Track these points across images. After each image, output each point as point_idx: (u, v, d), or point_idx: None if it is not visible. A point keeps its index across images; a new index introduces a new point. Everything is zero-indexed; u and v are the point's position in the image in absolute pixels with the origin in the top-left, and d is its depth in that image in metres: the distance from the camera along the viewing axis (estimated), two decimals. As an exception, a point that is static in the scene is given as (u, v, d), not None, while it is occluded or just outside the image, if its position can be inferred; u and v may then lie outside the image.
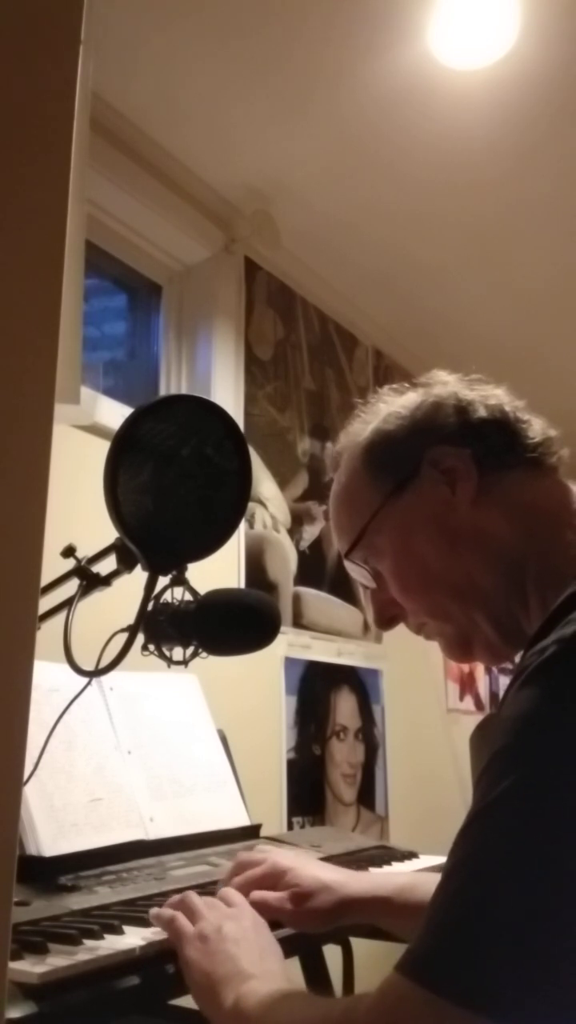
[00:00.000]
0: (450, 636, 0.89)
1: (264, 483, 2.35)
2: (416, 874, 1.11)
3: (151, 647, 0.90)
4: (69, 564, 0.93)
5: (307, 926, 0.96)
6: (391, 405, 0.93)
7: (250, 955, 0.82)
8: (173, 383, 2.30)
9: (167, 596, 0.89)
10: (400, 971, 0.60)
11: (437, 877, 1.05)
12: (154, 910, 0.90)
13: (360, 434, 0.93)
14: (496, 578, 0.83)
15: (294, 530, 2.43)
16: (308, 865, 1.00)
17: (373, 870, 1.21)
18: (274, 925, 0.92)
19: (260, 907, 0.92)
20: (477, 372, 0.93)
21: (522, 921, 0.56)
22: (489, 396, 0.90)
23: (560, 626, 0.65)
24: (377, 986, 0.63)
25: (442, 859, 1.34)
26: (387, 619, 0.93)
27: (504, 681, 3.44)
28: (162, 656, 0.90)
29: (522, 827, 0.58)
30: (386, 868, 1.25)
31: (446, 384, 0.92)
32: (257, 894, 0.94)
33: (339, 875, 0.99)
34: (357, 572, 0.93)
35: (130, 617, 0.84)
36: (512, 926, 0.56)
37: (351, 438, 0.94)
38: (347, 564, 0.94)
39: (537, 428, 0.89)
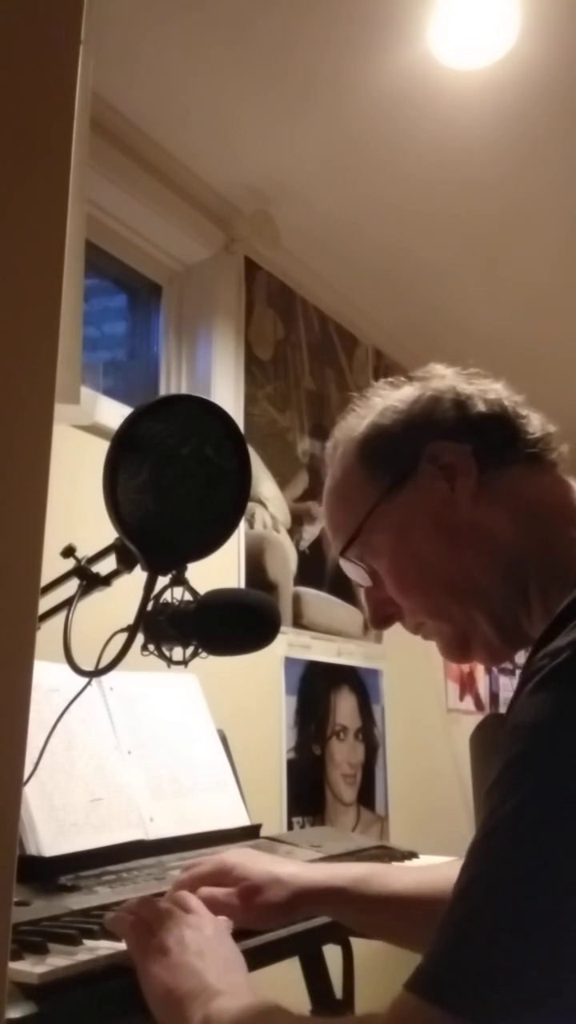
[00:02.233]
0: (448, 636, 0.87)
1: (264, 483, 2.35)
2: (373, 865, 1.08)
3: (151, 647, 0.89)
4: (69, 564, 0.93)
5: (259, 922, 0.91)
6: (387, 399, 0.90)
7: (215, 968, 0.77)
8: (173, 383, 2.30)
9: (167, 596, 0.89)
10: (412, 990, 0.58)
11: (395, 868, 1.02)
12: (109, 916, 0.85)
13: (355, 429, 0.91)
14: (496, 576, 0.82)
15: (294, 530, 2.43)
16: (258, 859, 0.95)
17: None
18: (242, 934, 0.88)
19: (208, 904, 0.88)
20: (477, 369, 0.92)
21: (536, 940, 0.55)
22: (488, 390, 0.88)
23: (571, 628, 0.63)
24: (388, 1006, 0.60)
25: (442, 859, 1.35)
26: (383, 618, 0.91)
27: (504, 681, 3.44)
28: (162, 656, 0.90)
29: (536, 844, 0.57)
30: (386, 868, 1.25)
31: (444, 378, 0.90)
32: (205, 891, 0.90)
33: (292, 867, 0.94)
34: (352, 571, 0.91)
35: (130, 617, 0.84)
36: (526, 945, 0.55)
37: (346, 433, 0.92)
38: (342, 563, 0.92)
39: (536, 423, 0.87)
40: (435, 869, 0.99)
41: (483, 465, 0.84)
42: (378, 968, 1.33)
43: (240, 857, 0.95)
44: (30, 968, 0.74)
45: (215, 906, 0.88)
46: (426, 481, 0.85)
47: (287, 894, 0.90)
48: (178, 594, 0.89)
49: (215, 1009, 0.71)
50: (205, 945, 0.79)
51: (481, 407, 0.86)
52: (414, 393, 0.89)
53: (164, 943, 0.79)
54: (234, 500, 0.91)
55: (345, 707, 2.50)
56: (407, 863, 1.31)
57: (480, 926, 0.57)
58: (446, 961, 0.58)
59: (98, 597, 0.93)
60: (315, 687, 2.38)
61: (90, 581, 0.92)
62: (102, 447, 0.84)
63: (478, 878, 0.59)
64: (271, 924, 0.92)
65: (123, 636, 0.84)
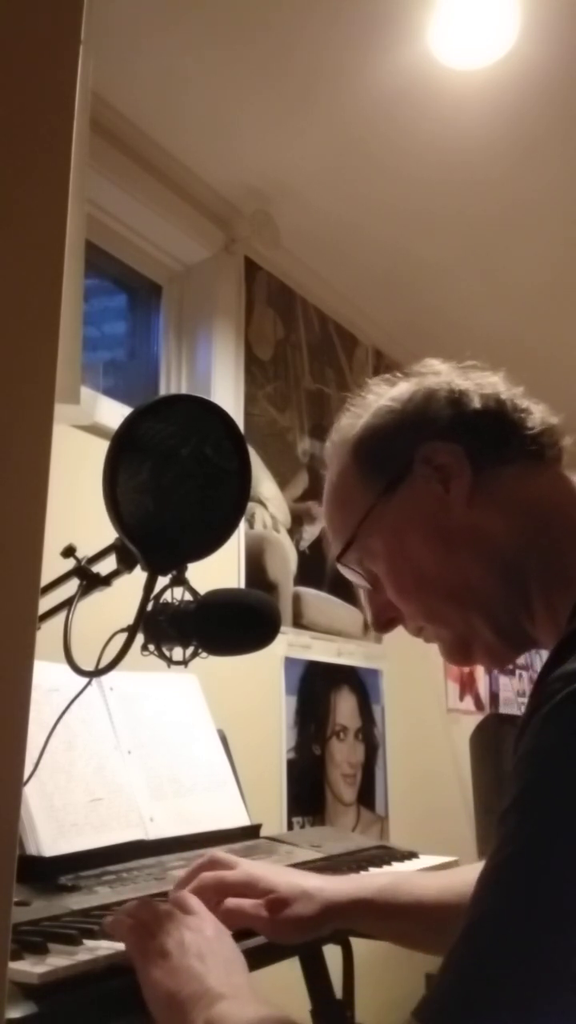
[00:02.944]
0: (448, 640, 0.85)
1: (264, 483, 2.35)
2: (396, 874, 1.07)
3: (151, 647, 0.89)
4: (69, 564, 0.93)
5: (286, 936, 0.89)
6: (381, 397, 0.88)
7: (216, 971, 0.75)
8: (173, 383, 2.30)
9: (167, 596, 0.89)
10: (419, 1019, 0.57)
11: (418, 875, 1.02)
12: (108, 920, 0.83)
13: (350, 429, 0.89)
14: (494, 579, 0.80)
15: (294, 530, 2.43)
16: (283, 872, 0.94)
17: (373, 870, 1.21)
18: (242, 934, 0.87)
19: (235, 915, 0.87)
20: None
21: (543, 976, 0.54)
22: (485, 385, 0.85)
23: None
24: None
25: (442, 859, 1.34)
26: (385, 622, 0.89)
27: (504, 681, 3.44)
28: (162, 656, 0.89)
29: (548, 878, 0.56)
30: (386, 868, 1.25)
31: (439, 373, 0.87)
32: (232, 901, 0.88)
33: (317, 880, 0.93)
34: (351, 575, 0.90)
35: (130, 617, 0.84)
36: (533, 981, 0.55)
37: (341, 434, 0.90)
38: (340, 567, 0.90)
39: (537, 417, 0.84)
40: (459, 873, 0.99)
41: (478, 465, 0.82)
42: (378, 968, 1.33)
43: (264, 869, 0.94)
44: (30, 968, 0.74)
45: (242, 917, 0.87)
46: (420, 483, 0.83)
47: (316, 907, 0.89)
48: (178, 594, 0.89)
49: (217, 1014, 0.70)
50: (206, 947, 0.78)
51: (476, 403, 0.83)
52: (408, 390, 0.87)
53: (164, 946, 0.78)
54: (234, 500, 0.90)
55: (345, 707, 2.50)
56: (407, 863, 1.31)
57: (489, 960, 0.56)
58: (454, 993, 0.57)
59: (98, 597, 0.93)
60: (315, 687, 2.38)
61: (90, 581, 0.92)
62: (102, 447, 0.84)
63: (488, 911, 0.58)
64: (298, 938, 0.91)
65: (123, 636, 0.84)
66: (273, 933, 0.89)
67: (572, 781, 0.57)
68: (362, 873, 1.13)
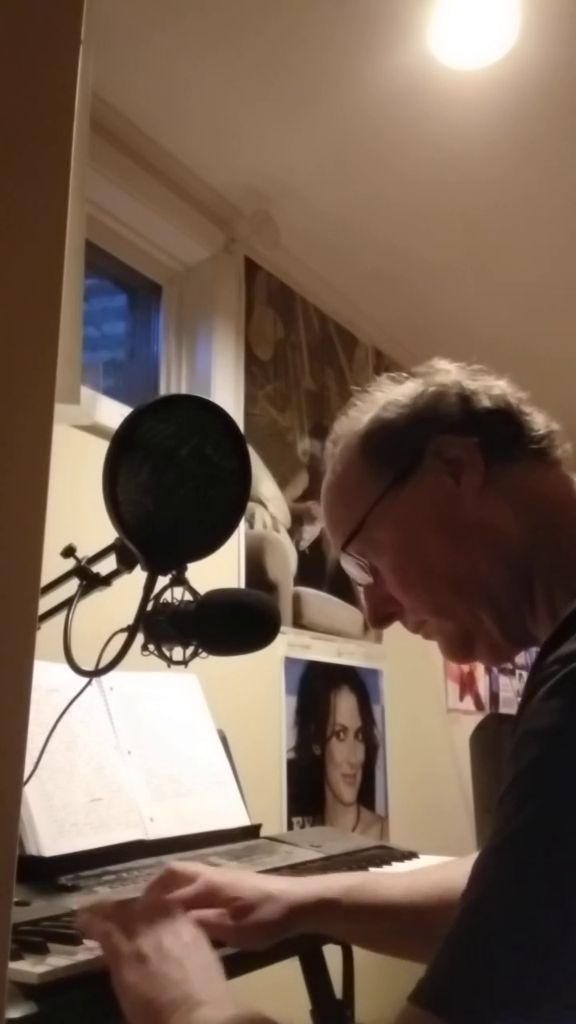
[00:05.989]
0: (451, 634, 0.85)
1: (264, 483, 2.35)
2: (364, 874, 1.04)
3: (151, 647, 0.89)
4: (69, 564, 0.93)
5: (252, 942, 0.87)
6: (389, 394, 0.89)
7: (196, 977, 0.74)
8: (173, 383, 2.30)
9: (167, 596, 0.89)
10: (417, 1003, 0.57)
11: (386, 876, 1.01)
12: (82, 921, 0.82)
13: (357, 423, 0.89)
14: (502, 573, 0.80)
15: (294, 530, 2.43)
16: (246, 877, 0.92)
17: (373, 870, 1.21)
18: (217, 944, 0.84)
19: (199, 926, 0.83)
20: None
21: (544, 957, 0.54)
22: (492, 387, 0.87)
23: None
24: (394, 1020, 0.59)
25: (442, 859, 1.34)
26: (383, 616, 0.89)
27: (504, 681, 3.44)
28: (162, 656, 0.89)
29: (548, 858, 0.56)
30: (386, 868, 1.25)
31: (448, 373, 0.89)
32: (195, 913, 0.85)
33: (281, 883, 0.92)
34: (353, 567, 0.90)
35: (130, 617, 0.84)
36: (534, 961, 0.54)
37: (347, 427, 0.90)
38: (342, 559, 0.90)
39: (540, 421, 0.86)
40: (426, 873, 0.98)
41: (489, 460, 0.83)
42: (378, 968, 1.33)
43: (226, 876, 0.92)
44: (30, 968, 0.75)
45: (207, 928, 0.84)
46: (431, 476, 0.84)
47: (281, 910, 0.87)
48: (178, 594, 0.89)
49: (198, 1020, 0.69)
50: (184, 952, 0.77)
51: (486, 402, 0.85)
52: (417, 388, 0.88)
53: (141, 950, 0.76)
54: (234, 500, 0.90)
55: (345, 707, 2.50)
56: (407, 863, 1.31)
57: (488, 939, 0.56)
58: (453, 973, 0.57)
59: (98, 597, 0.93)
60: (315, 687, 2.38)
61: (90, 581, 0.92)
62: (102, 447, 0.84)
63: (488, 890, 0.58)
64: (265, 943, 0.89)
65: (123, 636, 0.84)
66: (239, 940, 0.87)
67: (569, 759, 0.58)
68: (332, 873, 1.12)
